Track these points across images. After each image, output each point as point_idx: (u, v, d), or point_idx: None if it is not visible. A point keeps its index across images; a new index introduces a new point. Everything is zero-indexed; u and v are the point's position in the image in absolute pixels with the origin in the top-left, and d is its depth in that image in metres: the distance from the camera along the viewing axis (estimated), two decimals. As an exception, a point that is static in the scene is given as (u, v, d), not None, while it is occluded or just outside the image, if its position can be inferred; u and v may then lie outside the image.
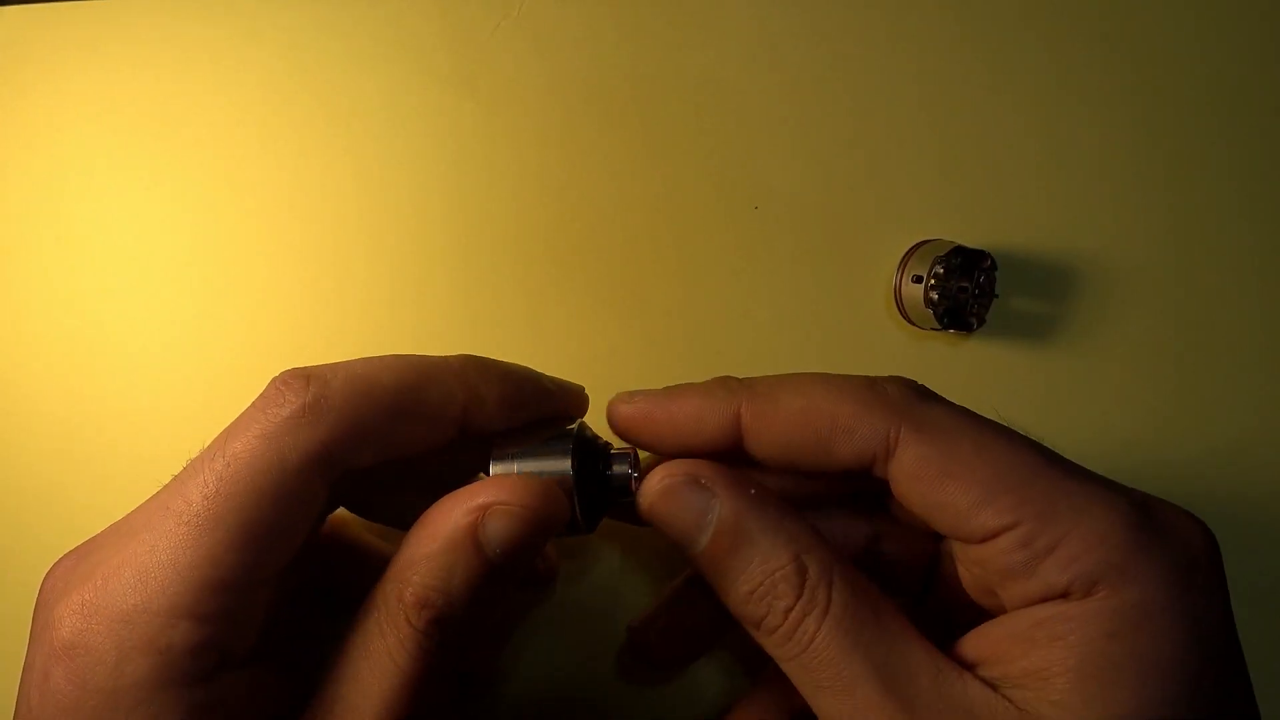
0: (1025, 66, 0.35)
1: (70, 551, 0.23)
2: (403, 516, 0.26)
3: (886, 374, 0.34)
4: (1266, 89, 0.35)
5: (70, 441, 0.34)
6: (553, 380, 0.25)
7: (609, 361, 0.34)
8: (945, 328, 0.32)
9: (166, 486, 0.22)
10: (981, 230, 0.35)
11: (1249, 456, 0.34)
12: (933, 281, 0.32)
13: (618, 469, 0.25)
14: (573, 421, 0.26)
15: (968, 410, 0.23)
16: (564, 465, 0.23)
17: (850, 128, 0.35)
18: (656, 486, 0.23)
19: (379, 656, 0.21)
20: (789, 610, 0.21)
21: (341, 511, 0.30)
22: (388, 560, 0.29)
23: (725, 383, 0.24)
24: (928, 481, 0.21)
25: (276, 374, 0.24)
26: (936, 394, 0.24)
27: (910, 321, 0.34)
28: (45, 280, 0.34)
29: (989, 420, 0.23)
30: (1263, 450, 0.34)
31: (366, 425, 0.21)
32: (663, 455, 0.25)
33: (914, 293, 0.33)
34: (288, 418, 0.21)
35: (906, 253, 0.34)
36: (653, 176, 0.35)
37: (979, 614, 0.23)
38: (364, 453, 0.22)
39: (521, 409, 0.24)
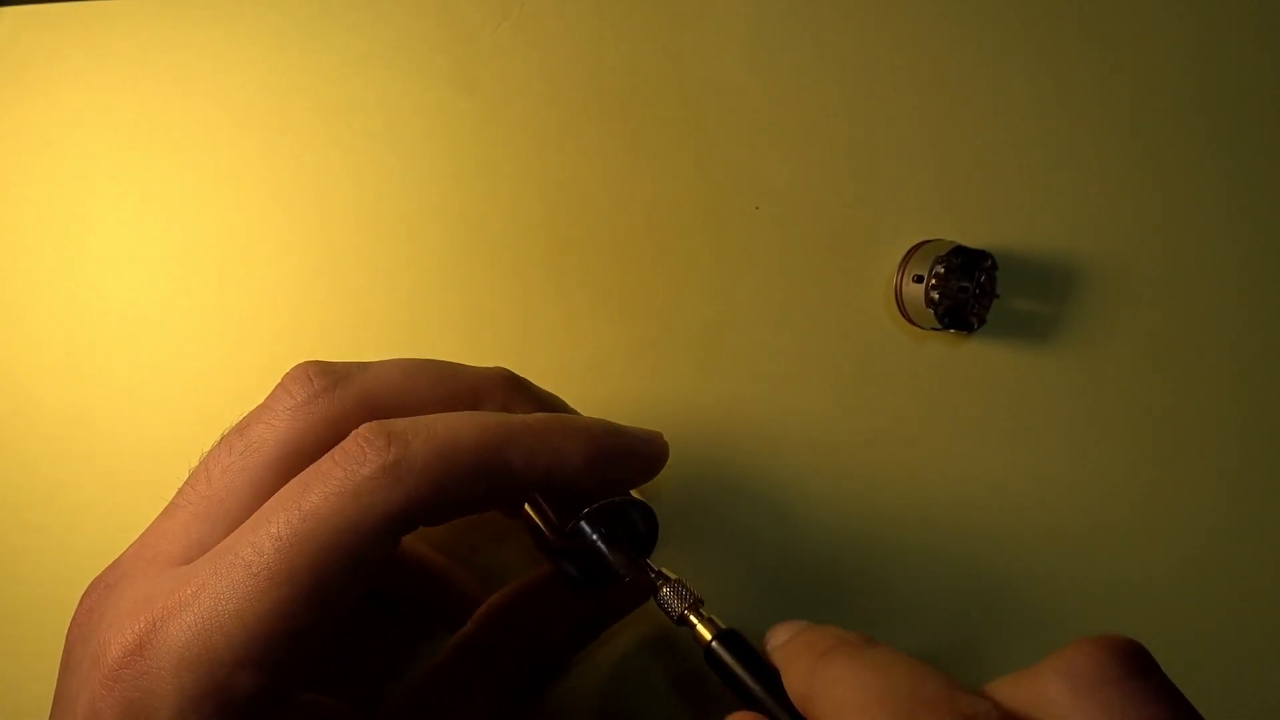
0: (1027, 67, 0.35)
1: (101, 577, 0.23)
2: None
3: (887, 375, 0.34)
4: (1268, 91, 0.35)
5: (70, 441, 0.34)
6: (635, 433, 0.25)
7: (609, 361, 0.34)
8: (946, 328, 0.32)
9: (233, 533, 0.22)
10: (982, 230, 0.34)
11: (1250, 455, 0.34)
12: (933, 281, 0.32)
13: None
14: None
15: None
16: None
17: (851, 128, 0.35)
18: None
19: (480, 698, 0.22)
20: None
21: None
22: (435, 568, 0.29)
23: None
24: None
25: (298, 363, 0.24)
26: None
27: (911, 321, 0.34)
28: (44, 280, 0.34)
29: None
30: (1264, 449, 0.34)
31: (446, 488, 0.21)
32: None
33: (914, 292, 0.33)
34: (368, 477, 0.20)
35: (907, 252, 0.34)
36: (653, 177, 0.35)
37: None
38: (442, 513, 0.22)
39: (606, 469, 0.24)
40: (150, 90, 0.35)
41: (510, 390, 0.24)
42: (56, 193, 0.34)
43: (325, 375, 0.24)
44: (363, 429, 0.21)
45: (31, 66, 0.35)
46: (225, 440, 0.24)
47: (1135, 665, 0.18)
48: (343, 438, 0.21)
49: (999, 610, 0.34)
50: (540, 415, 0.24)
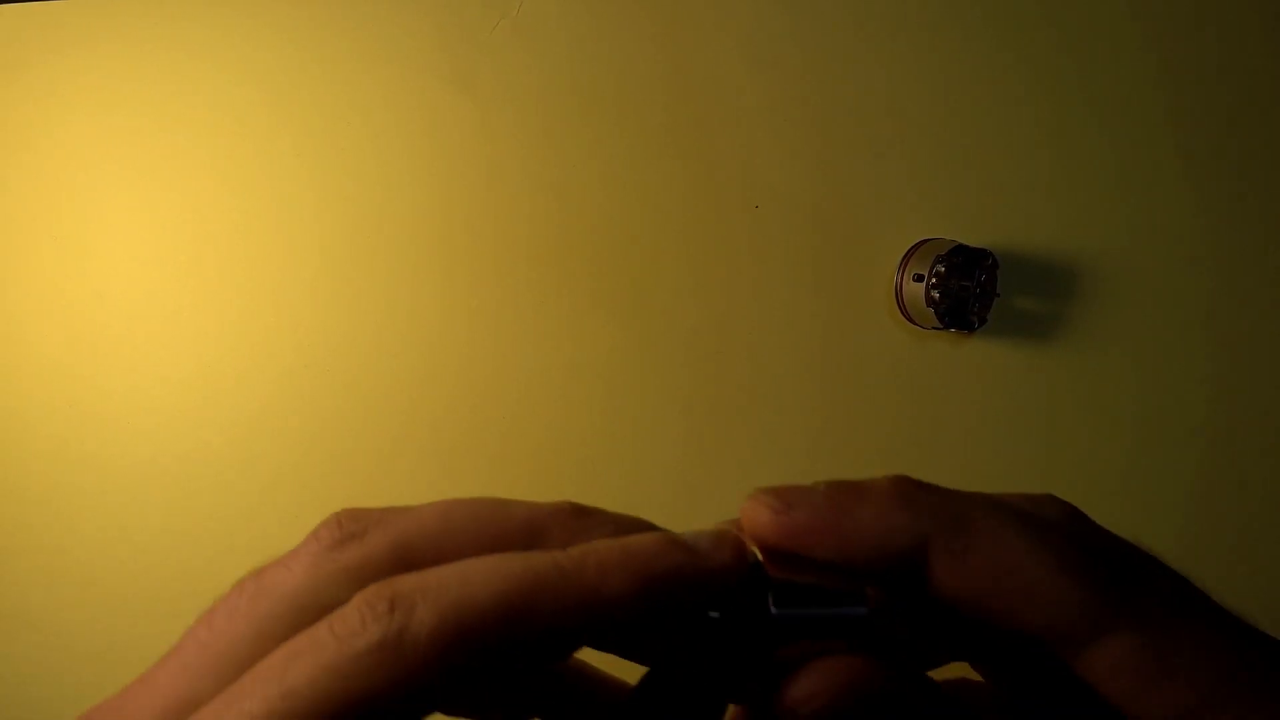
0: (1027, 67, 0.35)
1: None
2: None
3: (888, 375, 0.34)
4: (1267, 95, 0.35)
5: (70, 441, 0.34)
6: (697, 543, 0.22)
7: (609, 361, 0.34)
8: (946, 327, 0.32)
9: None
10: (983, 229, 0.34)
11: (1249, 454, 0.34)
12: (934, 280, 0.32)
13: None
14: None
15: (1169, 581, 0.21)
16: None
17: (851, 127, 0.35)
18: (812, 704, 0.18)
19: None
20: None
21: None
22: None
23: (908, 497, 0.20)
24: (1141, 677, 0.19)
25: (331, 515, 0.20)
26: (1122, 545, 0.22)
27: (911, 320, 0.34)
28: (43, 280, 0.34)
29: (1193, 598, 0.21)
30: (1263, 447, 0.34)
31: (458, 662, 0.18)
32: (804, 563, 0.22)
33: (915, 291, 0.32)
34: (362, 653, 0.17)
35: (908, 251, 0.34)
36: (653, 176, 0.35)
37: None
38: (459, 687, 0.18)
39: (660, 597, 0.19)
40: (149, 90, 0.35)
41: (574, 524, 0.20)
42: (56, 190, 0.34)
43: (356, 521, 0.21)
44: (368, 590, 0.19)
45: (31, 64, 0.35)
46: (239, 584, 0.21)
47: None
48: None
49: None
50: (577, 549, 0.20)
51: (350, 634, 0.18)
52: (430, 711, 0.18)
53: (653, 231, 0.34)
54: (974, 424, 0.34)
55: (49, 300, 0.34)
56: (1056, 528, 0.20)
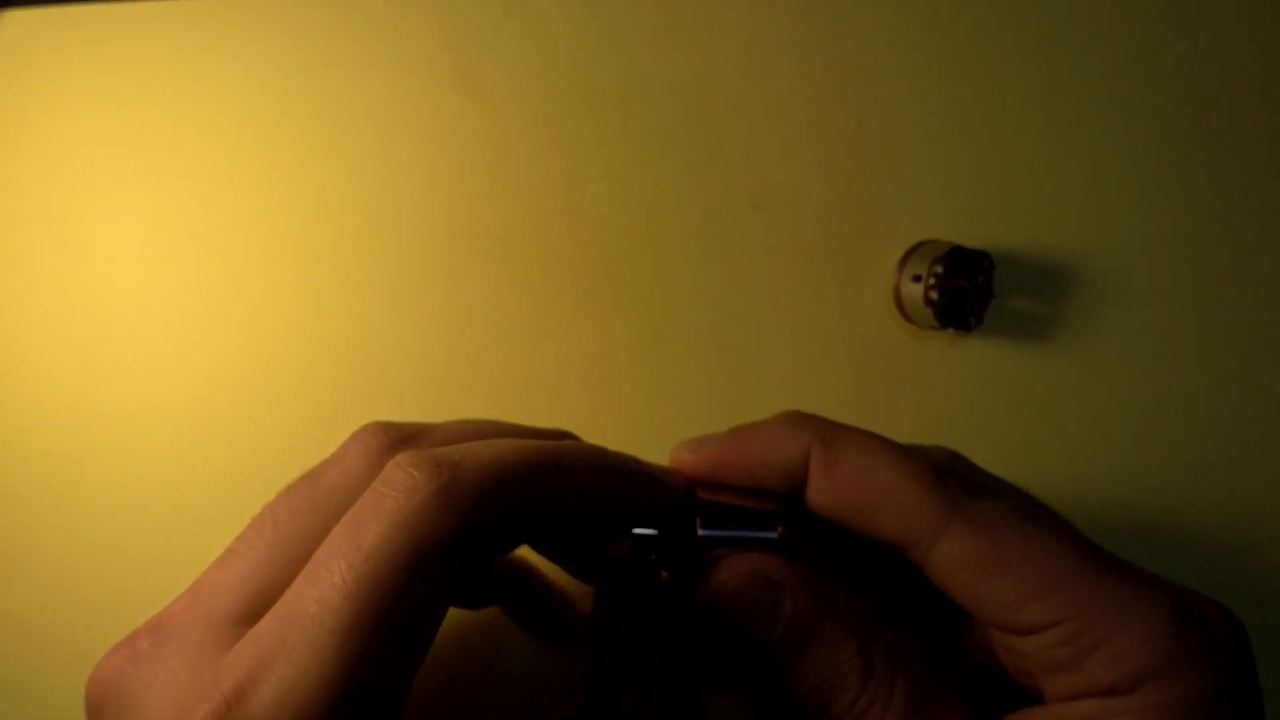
0: (1024, 66, 0.35)
1: (140, 634, 0.21)
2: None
3: (886, 374, 0.35)
4: (1263, 92, 0.35)
5: (74, 445, 0.34)
6: (654, 465, 0.26)
7: (610, 361, 0.34)
8: (944, 327, 0.32)
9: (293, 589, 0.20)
10: (980, 230, 0.35)
11: (1246, 456, 0.35)
12: (932, 281, 0.32)
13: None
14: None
15: (1014, 499, 0.23)
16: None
17: (850, 127, 0.35)
18: (727, 585, 0.23)
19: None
20: (854, 701, 0.22)
21: None
22: (526, 577, 0.29)
23: (794, 422, 0.24)
24: (974, 573, 0.22)
25: (365, 425, 0.23)
26: (986, 477, 0.24)
27: (909, 321, 0.34)
28: (47, 283, 0.34)
29: (1033, 509, 0.23)
30: (1260, 448, 0.35)
31: (500, 507, 0.21)
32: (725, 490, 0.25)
33: (913, 292, 0.33)
34: (422, 503, 0.19)
35: (906, 253, 0.34)
36: (653, 176, 0.35)
37: (1006, 685, 0.23)
38: (498, 537, 0.21)
39: (638, 490, 0.24)
40: (152, 91, 0.35)
41: (593, 454, 0.24)
42: (61, 195, 0.35)
43: (399, 429, 0.24)
44: (403, 457, 0.20)
45: (34, 67, 0.35)
46: (293, 488, 0.23)
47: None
48: None
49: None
50: (572, 442, 0.24)
51: (408, 491, 0.20)
52: (473, 555, 0.20)
53: (653, 233, 0.35)
54: (971, 422, 0.35)
55: (56, 303, 0.34)
56: (923, 454, 0.24)
